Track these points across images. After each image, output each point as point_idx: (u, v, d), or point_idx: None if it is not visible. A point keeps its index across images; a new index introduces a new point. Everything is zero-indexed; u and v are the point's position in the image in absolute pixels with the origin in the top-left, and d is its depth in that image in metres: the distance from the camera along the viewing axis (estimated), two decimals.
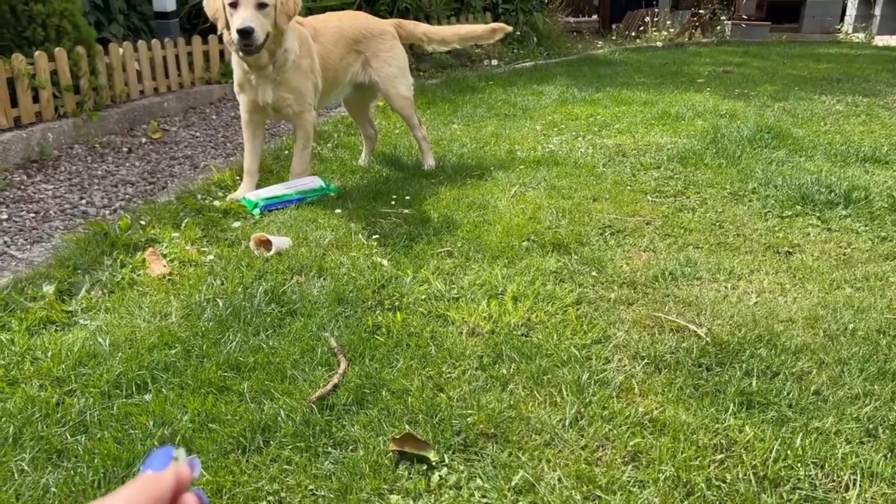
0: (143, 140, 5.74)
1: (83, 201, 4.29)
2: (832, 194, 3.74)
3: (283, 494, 1.72)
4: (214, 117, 6.84)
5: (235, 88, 3.78)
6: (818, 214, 3.56)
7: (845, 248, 3.16)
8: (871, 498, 1.67)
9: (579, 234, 3.32)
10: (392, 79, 4.32)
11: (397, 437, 1.87)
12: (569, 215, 3.59)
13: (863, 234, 3.32)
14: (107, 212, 4.09)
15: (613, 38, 13.39)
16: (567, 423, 1.95)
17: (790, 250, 3.15)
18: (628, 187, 4.09)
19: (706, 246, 3.20)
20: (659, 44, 12.68)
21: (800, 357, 2.26)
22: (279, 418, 1.96)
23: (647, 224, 3.50)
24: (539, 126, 5.89)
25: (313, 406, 1.99)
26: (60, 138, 5.31)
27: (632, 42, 13.07)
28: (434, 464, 1.81)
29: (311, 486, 1.74)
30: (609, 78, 8.52)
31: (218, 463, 1.80)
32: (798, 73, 9.00)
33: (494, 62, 9.89)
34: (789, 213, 3.59)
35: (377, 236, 3.32)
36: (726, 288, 2.78)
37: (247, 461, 1.82)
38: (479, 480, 1.75)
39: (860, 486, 1.70)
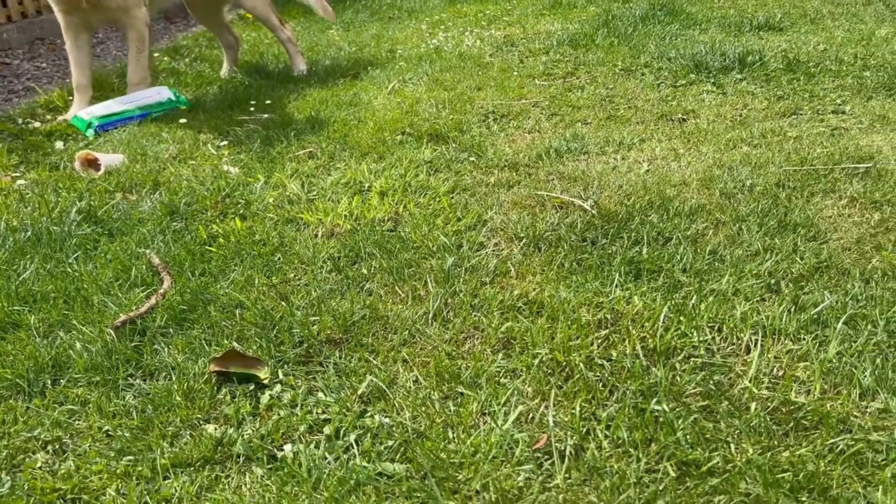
0: None
1: None
2: (727, 60, 3.50)
3: (65, 441, 1.35)
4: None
5: None
6: (713, 80, 3.31)
7: (741, 110, 2.93)
8: (775, 357, 1.43)
9: (460, 122, 2.98)
10: None
11: (219, 356, 1.52)
12: (450, 105, 3.23)
13: (759, 96, 3.09)
14: None
15: None
16: (430, 317, 1.64)
17: (684, 117, 2.89)
18: (515, 73, 3.74)
19: (595, 121, 2.91)
20: None
21: (694, 219, 2.00)
22: (73, 351, 1.57)
23: (533, 106, 3.17)
24: (425, 25, 5.44)
25: (112, 333, 1.60)
26: None
27: None
28: (265, 382, 1.47)
29: (105, 427, 1.37)
30: None
31: None
32: None
33: None
34: (683, 82, 3.33)
35: (227, 143, 2.88)
36: (615, 159, 2.50)
37: (25, 408, 1.44)
38: (320, 394, 1.43)
39: (762, 345, 1.46)
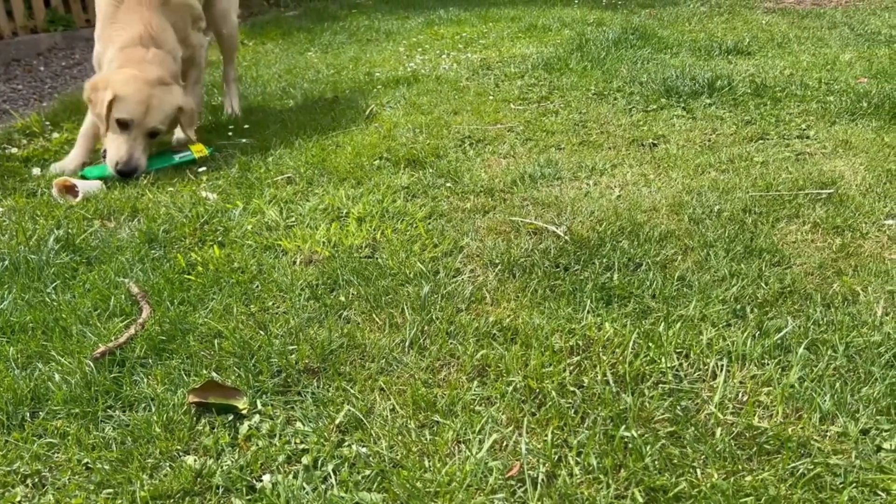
0: None
1: None
2: (696, 85, 3.60)
3: (45, 474, 1.36)
4: (42, 69, 6.08)
5: None
6: (683, 105, 3.40)
7: (710, 135, 3.01)
8: (741, 382, 1.48)
9: (436, 147, 3.03)
10: (227, 13, 3.81)
11: (198, 386, 1.54)
12: (427, 130, 3.28)
13: (727, 120, 3.18)
14: None
15: None
16: (407, 345, 1.68)
17: (655, 142, 2.97)
18: (491, 97, 3.81)
19: (568, 146, 2.97)
20: None
21: (664, 245, 2.06)
22: (52, 383, 1.58)
23: (508, 131, 3.24)
24: (402, 48, 5.51)
25: (91, 365, 1.61)
26: None
27: None
28: (244, 412, 1.49)
29: (85, 460, 1.38)
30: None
31: None
32: None
33: None
34: (654, 107, 3.42)
35: (206, 169, 2.90)
36: (588, 185, 2.56)
37: (4, 441, 1.45)
38: (298, 424, 1.45)
39: (728, 370, 1.51)
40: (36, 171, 2.95)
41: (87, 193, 2.68)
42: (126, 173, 2.84)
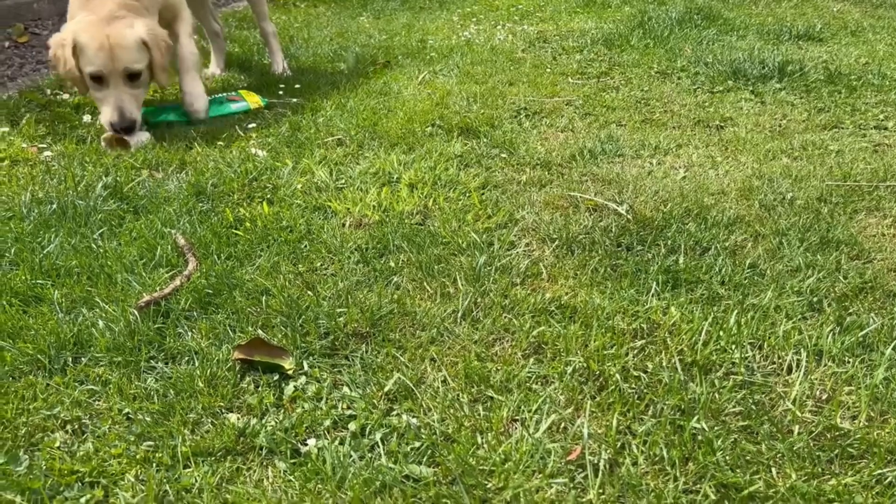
0: (7, 44, 5.00)
1: None
2: (765, 69, 3.43)
3: (85, 421, 1.32)
4: None
5: None
6: (751, 88, 3.24)
7: (780, 120, 2.86)
8: (819, 379, 1.38)
9: (491, 117, 2.93)
10: None
11: (243, 343, 1.48)
12: (481, 99, 3.18)
13: (798, 106, 3.02)
14: None
15: None
16: (459, 316, 1.60)
17: (721, 124, 2.83)
18: (548, 70, 3.68)
19: (630, 123, 2.85)
20: None
21: (733, 230, 1.95)
22: (95, 329, 1.54)
23: (566, 105, 3.12)
24: (456, 17, 5.39)
25: (135, 314, 1.57)
26: None
27: None
28: (290, 373, 1.43)
29: (126, 410, 1.34)
30: None
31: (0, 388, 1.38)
32: None
33: None
34: (720, 89, 3.26)
35: (255, 126, 2.84)
36: (651, 164, 2.44)
37: (45, 385, 1.41)
38: (345, 389, 1.39)
39: (805, 366, 1.41)
40: (86, 118, 2.92)
41: (137, 144, 2.65)
42: (125, 129, 2.66)
